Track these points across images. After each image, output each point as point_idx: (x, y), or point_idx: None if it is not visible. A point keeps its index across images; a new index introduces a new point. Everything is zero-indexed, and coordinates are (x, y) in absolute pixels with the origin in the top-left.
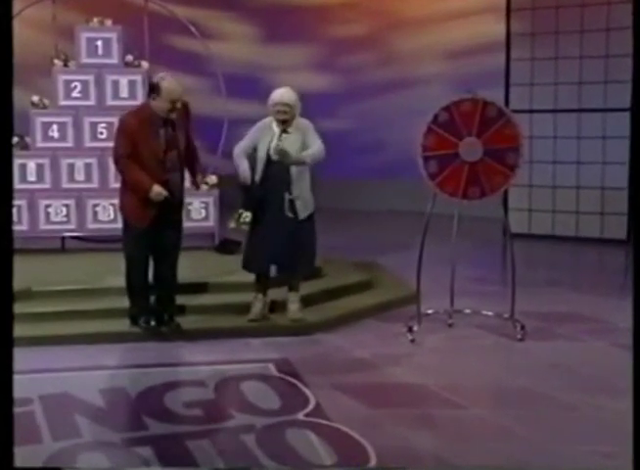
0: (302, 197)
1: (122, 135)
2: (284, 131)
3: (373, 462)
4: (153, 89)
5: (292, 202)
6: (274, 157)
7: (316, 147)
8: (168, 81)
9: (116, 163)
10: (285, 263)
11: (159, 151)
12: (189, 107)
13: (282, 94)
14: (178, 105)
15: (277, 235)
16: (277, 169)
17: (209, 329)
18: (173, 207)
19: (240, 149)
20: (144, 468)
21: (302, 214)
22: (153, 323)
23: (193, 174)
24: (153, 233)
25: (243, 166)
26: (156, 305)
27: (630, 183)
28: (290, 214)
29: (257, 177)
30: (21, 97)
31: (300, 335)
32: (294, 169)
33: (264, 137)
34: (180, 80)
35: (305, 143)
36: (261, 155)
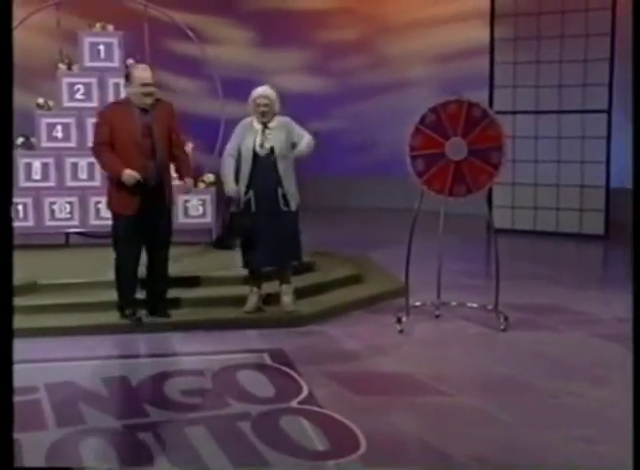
0: (292, 190)
1: (100, 123)
2: (266, 127)
3: (363, 448)
4: (126, 77)
5: (284, 196)
6: (261, 153)
7: (306, 138)
8: (139, 68)
9: (92, 150)
10: (280, 256)
11: (134, 135)
12: (172, 107)
13: (262, 89)
14: (151, 90)
15: (272, 229)
16: (265, 165)
17: (207, 321)
18: (157, 195)
19: (227, 158)
20: (147, 467)
21: (294, 206)
22: (138, 314)
23: (181, 177)
24: (141, 224)
25: (229, 178)
26: (149, 297)
27: (634, 183)
28: (284, 208)
29: (244, 176)
30: (26, 99)
31: (294, 326)
32: (281, 164)
33: (248, 136)
34: (150, 69)
35: (291, 137)
36: (247, 153)
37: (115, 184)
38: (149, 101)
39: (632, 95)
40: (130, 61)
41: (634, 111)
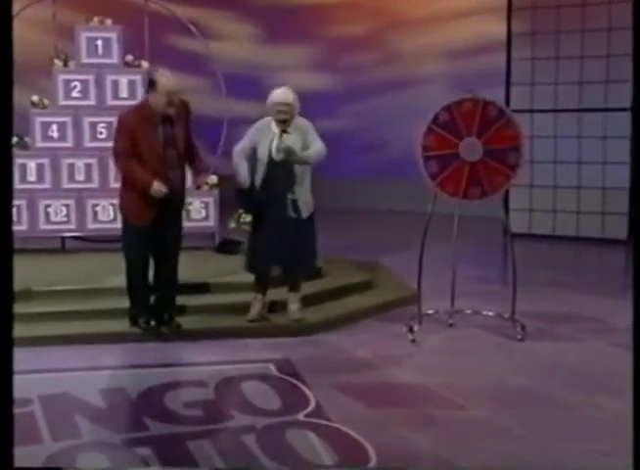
0: (305, 197)
1: (122, 133)
2: (284, 131)
3: (373, 462)
4: (151, 84)
5: (294, 202)
6: (277, 157)
7: (318, 146)
8: (166, 76)
9: (116, 160)
10: (288, 264)
11: (158, 147)
12: (189, 106)
13: (281, 94)
14: (175, 99)
15: (280, 236)
16: (280, 170)
17: (210, 329)
18: (174, 205)
19: (239, 150)
20: (145, 468)
21: (305, 214)
22: (152, 323)
23: (195, 173)
24: (153, 232)
25: (242, 170)
26: (156, 305)
27: (632, 184)
28: (293, 215)
29: (258, 179)
30: (20, 97)
31: (301, 335)
32: (298, 170)
33: (264, 138)
34: (180, 78)
35: (306, 143)
36: (262, 156)
37: (132, 193)
38: (172, 111)
39: (632, 95)
40: (130, 57)
41: (633, 111)
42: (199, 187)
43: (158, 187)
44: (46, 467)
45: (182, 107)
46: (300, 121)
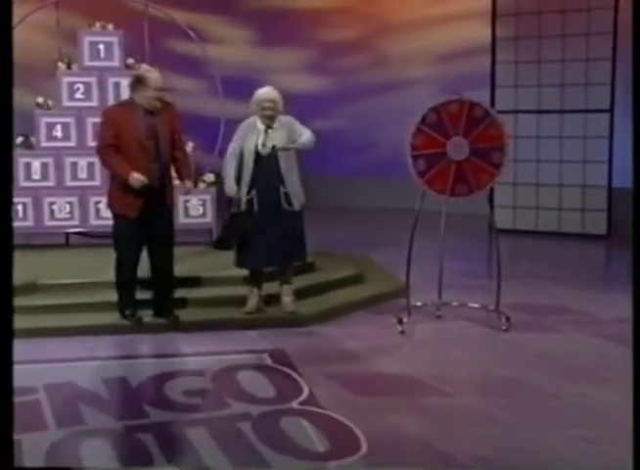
0: (295, 189)
1: (105, 125)
2: (269, 127)
3: (364, 448)
4: (139, 81)
5: (286, 194)
6: (263, 151)
7: (306, 135)
8: (153, 72)
9: (98, 152)
10: (282, 256)
11: (139, 138)
12: (174, 107)
13: (265, 92)
14: (162, 95)
15: (276, 234)
16: (266, 165)
17: (207, 321)
18: (159, 197)
19: (232, 152)
20: (147, 468)
21: (297, 206)
22: (138, 315)
23: (181, 178)
24: (142, 226)
25: (230, 177)
26: (155, 298)
27: (634, 183)
28: (286, 207)
29: (247, 176)
30: (26, 98)
31: (295, 327)
32: (283, 163)
33: (251, 136)
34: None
35: (292, 135)
36: (249, 152)
37: (118, 186)
38: (159, 105)
39: (632, 94)
40: (130, 60)
41: (634, 110)
42: (187, 192)
43: (136, 177)
44: (52, 467)
45: (170, 109)
46: (284, 118)
